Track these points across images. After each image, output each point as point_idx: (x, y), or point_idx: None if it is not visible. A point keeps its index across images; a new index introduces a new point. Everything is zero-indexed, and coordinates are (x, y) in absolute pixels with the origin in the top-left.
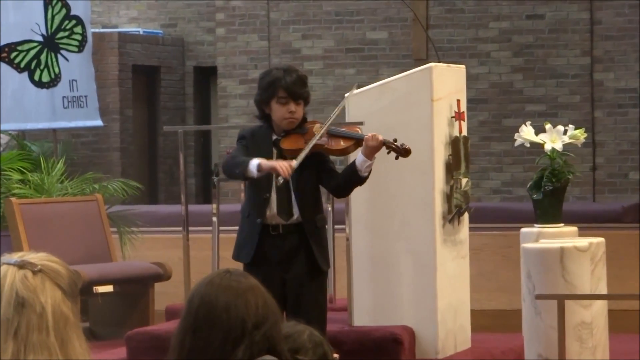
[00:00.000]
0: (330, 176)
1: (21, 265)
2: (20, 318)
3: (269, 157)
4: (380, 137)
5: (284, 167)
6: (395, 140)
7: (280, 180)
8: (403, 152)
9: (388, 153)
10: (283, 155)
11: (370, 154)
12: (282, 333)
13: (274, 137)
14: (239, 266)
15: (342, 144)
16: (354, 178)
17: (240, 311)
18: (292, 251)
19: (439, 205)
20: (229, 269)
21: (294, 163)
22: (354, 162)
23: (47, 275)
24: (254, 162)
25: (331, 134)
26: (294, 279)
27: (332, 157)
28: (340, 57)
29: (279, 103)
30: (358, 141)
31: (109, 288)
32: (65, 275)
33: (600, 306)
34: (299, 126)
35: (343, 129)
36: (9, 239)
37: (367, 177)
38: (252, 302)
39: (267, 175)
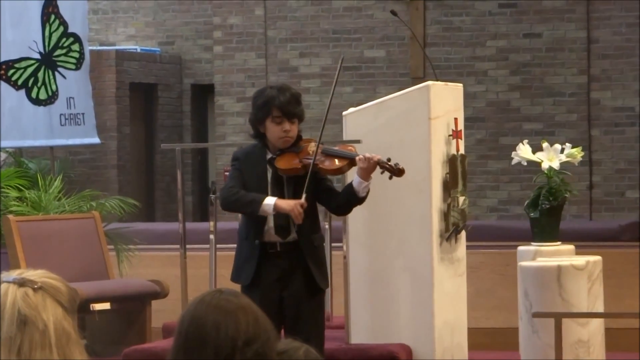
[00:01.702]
0: (329, 195)
1: (21, 283)
2: (23, 336)
3: (263, 176)
4: (375, 158)
5: (299, 213)
6: (389, 160)
7: (292, 234)
8: (397, 172)
9: (382, 173)
10: (277, 174)
11: (365, 174)
12: (275, 350)
13: (269, 155)
14: (237, 286)
15: (337, 163)
16: (352, 199)
17: (229, 330)
18: (289, 269)
19: (436, 224)
20: (220, 289)
21: (304, 202)
22: (351, 183)
23: (48, 293)
24: (270, 203)
25: (326, 154)
26: (292, 297)
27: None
28: None
29: (274, 122)
30: (352, 160)
31: (106, 305)
32: (65, 292)
33: (597, 324)
34: (294, 144)
35: (337, 149)
36: (6, 256)
37: (365, 197)
38: (242, 321)
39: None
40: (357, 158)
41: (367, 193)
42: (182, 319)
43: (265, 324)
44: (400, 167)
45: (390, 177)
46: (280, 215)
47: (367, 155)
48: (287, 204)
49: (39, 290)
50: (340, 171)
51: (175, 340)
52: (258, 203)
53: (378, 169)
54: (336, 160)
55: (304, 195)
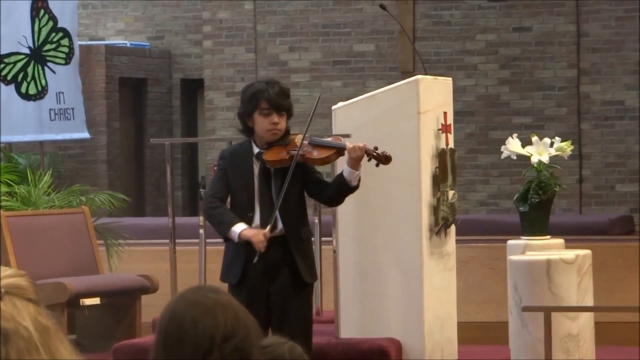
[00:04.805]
0: (319, 187)
1: None
2: (8, 349)
3: (249, 172)
4: (362, 146)
5: (261, 242)
6: (376, 149)
7: (256, 258)
8: (383, 159)
9: (369, 160)
10: (265, 168)
11: (355, 164)
12: (257, 345)
13: (257, 150)
14: (225, 286)
15: (323, 153)
16: (345, 189)
17: (207, 326)
18: (275, 263)
19: (425, 218)
20: (201, 285)
21: (267, 232)
22: (342, 174)
23: (14, 294)
24: (236, 231)
25: (313, 144)
26: (279, 292)
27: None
28: (327, 70)
29: (262, 115)
30: (339, 150)
31: (95, 300)
32: (27, 286)
33: (587, 318)
34: (282, 138)
35: (324, 139)
36: None
37: (357, 186)
38: (220, 317)
39: (248, 194)
40: (347, 148)
41: (359, 181)
42: (162, 316)
43: (245, 319)
44: (387, 154)
45: (377, 165)
46: (266, 211)
47: (356, 145)
48: (251, 233)
49: (5, 297)
50: (328, 160)
51: (155, 337)
52: (228, 227)
53: (365, 157)
54: (323, 150)
55: (268, 227)
